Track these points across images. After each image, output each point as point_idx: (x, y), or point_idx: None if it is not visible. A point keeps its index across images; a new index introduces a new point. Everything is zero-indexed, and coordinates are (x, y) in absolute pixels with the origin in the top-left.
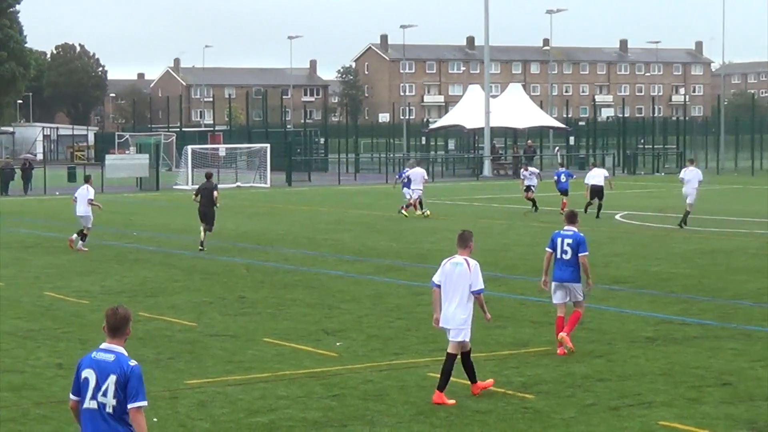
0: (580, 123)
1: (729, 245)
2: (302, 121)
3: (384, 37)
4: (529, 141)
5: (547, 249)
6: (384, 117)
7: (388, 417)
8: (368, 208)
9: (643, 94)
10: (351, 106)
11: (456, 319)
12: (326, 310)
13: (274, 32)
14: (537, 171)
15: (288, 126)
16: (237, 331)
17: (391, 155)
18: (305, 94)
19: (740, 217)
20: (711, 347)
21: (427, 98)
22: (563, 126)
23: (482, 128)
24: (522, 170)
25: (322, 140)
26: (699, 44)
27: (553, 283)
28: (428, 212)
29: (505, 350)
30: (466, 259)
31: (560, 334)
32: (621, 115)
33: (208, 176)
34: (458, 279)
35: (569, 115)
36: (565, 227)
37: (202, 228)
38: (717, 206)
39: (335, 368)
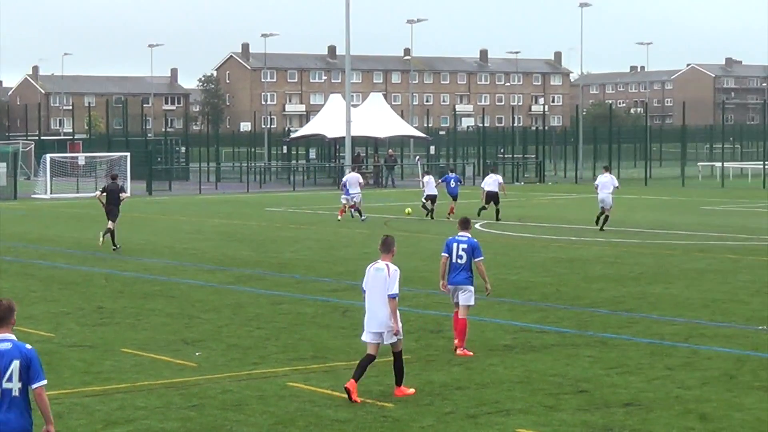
0: (441, 132)
1: (587, 254)
2: (163, 129)
3: (245, 46)
4: (390, 150)
5: (443, 254)
6: (245, 126)
7: (247, 427)
8: (229, 218)
9: (503, 104)
10: (212, 115)
11: (383, 323)
12: (186, 319)
13: (135, 40)
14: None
15: (149, 134)
16: (95, 342)
17: (253, 164)
18: (166, 103)
19: (597, 225)
20: (568, 355)
21: (288, 107)
22: (424, 135)
23: (343, 137)
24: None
25: (183, 149)
26: (558, 55)
27: (450, 286)
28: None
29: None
30: (387, 265)
31: (457, 351)
32: (481, 125)
33: (114, 177)
34: (380, 283)
35: (430, 125)
36: (460, 233)
37: (102, 233)
38: (575, 215)
39: (194, 378)
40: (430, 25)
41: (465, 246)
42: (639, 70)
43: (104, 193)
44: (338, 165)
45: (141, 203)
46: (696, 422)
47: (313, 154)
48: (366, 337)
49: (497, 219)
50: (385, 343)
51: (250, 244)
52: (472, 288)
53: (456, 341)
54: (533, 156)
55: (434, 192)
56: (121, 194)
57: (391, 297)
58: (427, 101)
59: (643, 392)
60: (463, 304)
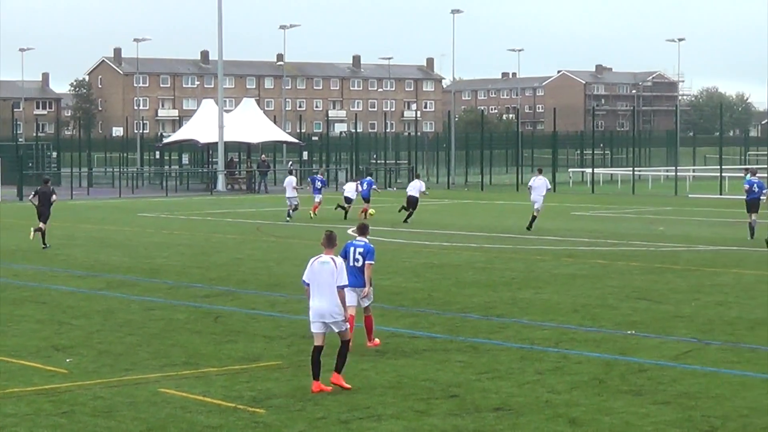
0: (314, 138)
1: (458, 259)
2: (34, 134)
3: (117, 51)
4: (263, 156)
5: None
6: (118, 131)
7: None
8: (101, 223)
9: (375, 109)
10: (84, 120)
11: (332, 313)
12: (56, 326)
13: (5, 44)
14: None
15: (19, 139)
16: None
17: (125, 169)
18: (37, 108)
19: (469, 231)
20: (439, 360)
21: (161, 112)
22: (296, 141)
23: (216, 143)
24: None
25: (54, 154)
26: (430, 61)
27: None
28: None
29: (237, 365)
30: (332, 258)
31: (368, 345)
32: (354, 131)
33: (45, 181)
34: (327, 276)
35: (303, 130)
36: (357, 238)
37: (34, 229)
38: (447, 220)
39: (65, 385)
40: (303, 31)
41: (361, 250)
42: (510, 76)
43: (36, 196)
44: (211, 170)
45: (12, 209)
46: (565, 426)
47: (186, 159)
48: (314, 327)
49: (405, 221)
50: (336, 331)
51: (122, 249)
52: (364, 290)
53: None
54: (405, 162)
55: (352, 196)
56: (52, 197)
57: (341, 288)
58: (300, 107)
59: (513, 397)
60: (365, 305)
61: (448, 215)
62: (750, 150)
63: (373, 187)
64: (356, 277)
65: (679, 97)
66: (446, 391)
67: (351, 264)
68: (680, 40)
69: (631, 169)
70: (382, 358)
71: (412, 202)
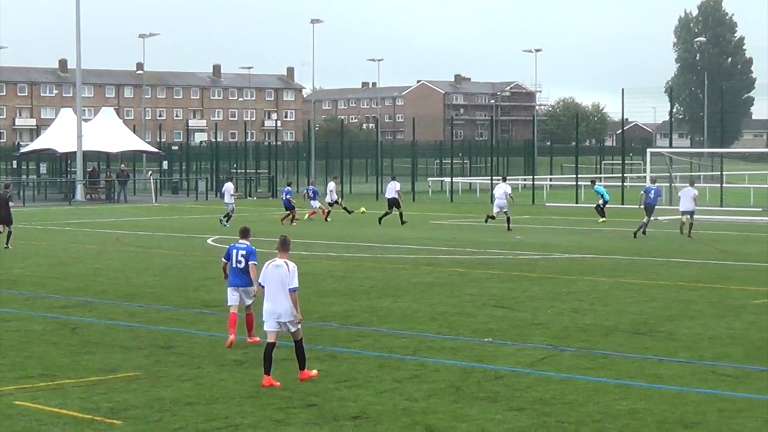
0: (174, 147)
1: (317, 268)
2: None
3: None
4: (123, 165)
5: (223, 259)
6: None
7: None
8: None
9: (236, 119)
10: None
11: (287, 313)
12: None
13: None
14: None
15: None
16: None
17: None
18: None
19: (329, 240)
20: (298, 369)
21: (18, 121)
22: (156, 150)
23: (75, 152)
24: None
25: None
26: (291, 70)
27: (230, 288)
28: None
29: (94, 376)
30: (286, 262)
31: (248, 340)
32: (214, 140)
33: (7, 186)
34: (280, 279)
35: (163, 140)
36: (240, 241)
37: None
38: (307, 230)
39: None
40: (163, 40)
41: (243, 252)
42: (371, 86)
43: None
44: (69, 180)
45: None
46: None
47: (43, 168)
48: (267, 326)
49: (402, 222)
50: (289, 331)
51: None
52: (251, 288)
53: (231, 334)
54: (266, 171)
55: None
56: (10, 202)
57: (293, 290)
58: (160, 116)
59: (371, 405)
60: (248, 303)
61: (308, 225)
62: (605, 159)
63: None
64: (240, 278)
65: (537, 107)
66: (305, 400)
67: (234, 266)
68: (537, 50)
69: (489, 178)
70: (240, 368)
71: (392, 203)
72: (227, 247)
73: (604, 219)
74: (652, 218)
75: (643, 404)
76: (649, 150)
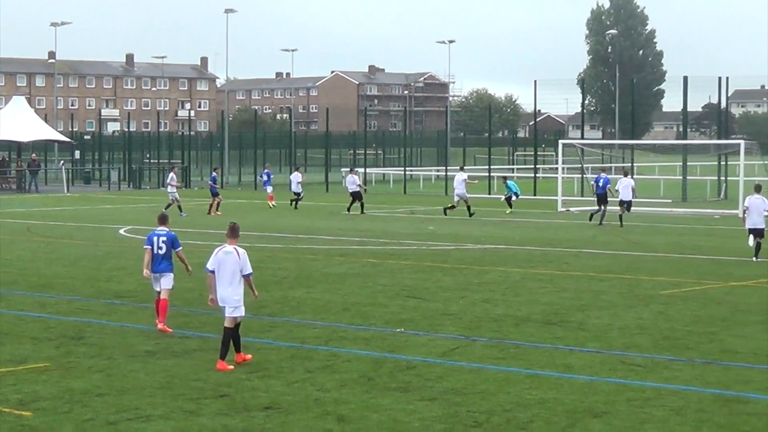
0: (86, 137)
1: None
2: None
3: None
4: (34, 155)
5: (146, 246)
6: None
7: None
8: None
9: (149, 108)
10: None
11: (232, 298)
12: None
13: None
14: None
15: None
16: None
17: None
18: None
19: (242, 231)
20: (210, 359)
21: None
22: (68, 140)
23: None
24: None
25: None
26: (204, 60)
27: (153, 274)
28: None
29: (2, 367)
30: (235, 248)
31: (158, 327)
32: (127, 130)
33: None
34: (230, 265)
35: (75, 129)
36: (159, 228)
37: None
38: (220, 220)
39: None
40: (75, 29)
41: (165, 238)
42: (284, 76)
43: None
44: None
45: None
46: (334, 424)
47: None
48: (225, 312)
49: (362, 212)
50: (230, 315)
51: None
52: (172, 274)
53: (157, 320)
54: (179, 161)
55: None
56: None
57: (248, 275)
58: (72, 105)
59: (283, 395)
60: (165, 288)
61: (222, 215)
62: (518, 150)
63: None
64: (161, 264)
65: (450, 98)
66: (216, 390)
67: (155, 252)
68: (451, 42)
69: (402, 168)
70: (152, 359)
71: (355, 195)
72: (144, 236)
73: (511, 210)
74: (608, 207)
75: (553, 394)
76: (560, 141)
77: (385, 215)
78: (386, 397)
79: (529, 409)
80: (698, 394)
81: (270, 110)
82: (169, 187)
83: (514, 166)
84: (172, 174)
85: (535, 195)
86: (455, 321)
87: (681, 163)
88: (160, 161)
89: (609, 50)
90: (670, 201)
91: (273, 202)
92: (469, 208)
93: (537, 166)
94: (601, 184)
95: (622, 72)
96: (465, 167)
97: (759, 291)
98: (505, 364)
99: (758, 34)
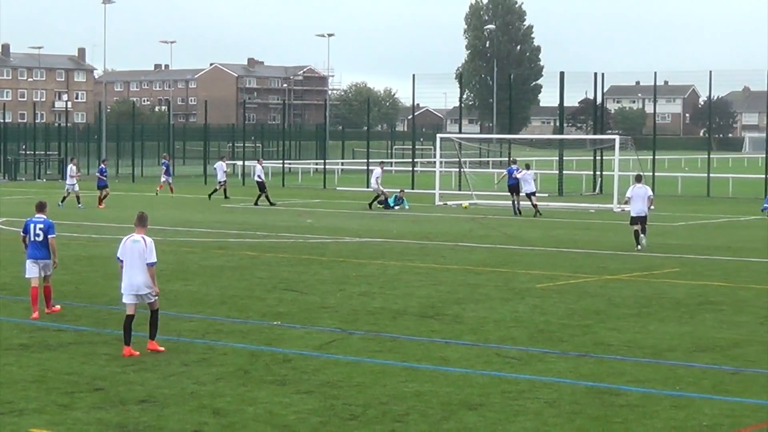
0: None
1: (107, 252)
2: None
3: None
4: None
5: (22, 233)
6: None
7: None
8: None
9: (25, 99)
10: None
11: (142, 286)
12: None
13: None
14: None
15: None
16: None
17: None
18: None
19: (119, 223)
20: (85, 353)
21: None
22: None
23: None
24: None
25: None
26: (82, 51)
27: (28, 261)
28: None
29: None
30: (143, 237)
31: (46, 311)
32: (2, 121)
33: None
34: (138, 253)
35: None
36: (36, 215)
37: None
38: (97, 212)
39: None
40: None
41: (41, 225)
42: (163, 68)
43: None
44: None
45: None
46: (209, 417)
47: None
48: (126, 299)
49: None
50: (146, 302)
51: None
52: (49, 261)
53: (35, 311)
54: (56, 153)
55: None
56: None
57: (151, 264)
58: None
59: (158, 389)
60: (47, 274)
61: (102, 209)
62: (396, 144)
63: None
64: (39, 251)
65: (329, 92)
66: (91, 384)
67: (32, 239)
68: (330, 35)
69: (281, 161)
70: (26, 352)
71: (259, 185)
72: (18, 228)
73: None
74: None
75: (429, 386)
76: (438, 135)
77: (263, 208)
78: (262, 390)
79: (405, 402)
80: (572, 387)
81: (149, 102)
82: (68, 178)
83: (393, 160)
84: (72, 165)
85: (413, 189)
86: (332, 314)
87: (557, 158)
88: (37, 153)
89: (487, 45)
90: (546, 195)
91: (161, 190)
92: (377, 199)
93: (415, 160)
94: (514, 175)
95: (500, 67)
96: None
97: (632, 284)
98: (382, 357)
99: (633, 31)
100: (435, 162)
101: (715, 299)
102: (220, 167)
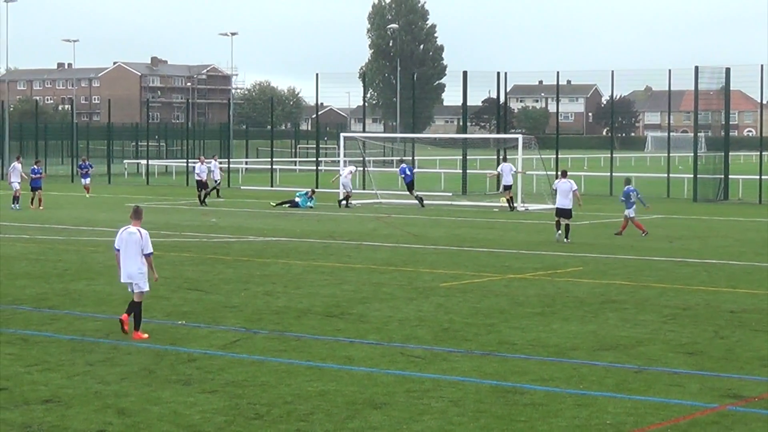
0: None
1: (11, 251)
2: None
3: None
4: None
5: None
6: None
7: None
8: None
9: None
10: None
11: (137, 275)
12: None
13: None
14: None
15: None
16: None
17: None
18: None
19: (22, 222)
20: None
21: None
22: None
23: None
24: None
25: None
26: None
27: None
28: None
29: None
30: (138, 229)
31: None
32: None
33: None
34: (134, 244)
35: None
36: None
37: None
38: (0, 212)
39: None
40: None
41: None
42: (66, 66)
43: None
44: None
45: None
46: (114, 417)
47: None
48: (129, 287)
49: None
50: (135, 290)
51: None
52: None
53: None
54: None
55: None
56: None
57: (148, 255)
58: None
59: (63, 389)
60: None
61: (2, 207)
62: (300, 143)
63: None
64: None
65: (233, 91)
66: None
67: None
68: (233, 34)
69: (185, 160)
70: None
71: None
72: None
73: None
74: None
75: (333, 386)
76: (342, 134)
77: (167, 207)
78: (167, 389)
79: (309, 401)
80: (476, 385)
81: (52, 101)
82: (13, 176)
83: (297, 159)
84: (16, 164)
85: (316, 187)
86: (237, 313)
87: (461, 157)
88: None
89: (390, 44)
90: (450, 194)
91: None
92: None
93: (319, 159)
94: (409, 173)
95: (404, 66)
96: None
97: (536, 283)
98: (287, 356)
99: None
100: (339, 161)
101: (618, 298)
102: (215, 166)
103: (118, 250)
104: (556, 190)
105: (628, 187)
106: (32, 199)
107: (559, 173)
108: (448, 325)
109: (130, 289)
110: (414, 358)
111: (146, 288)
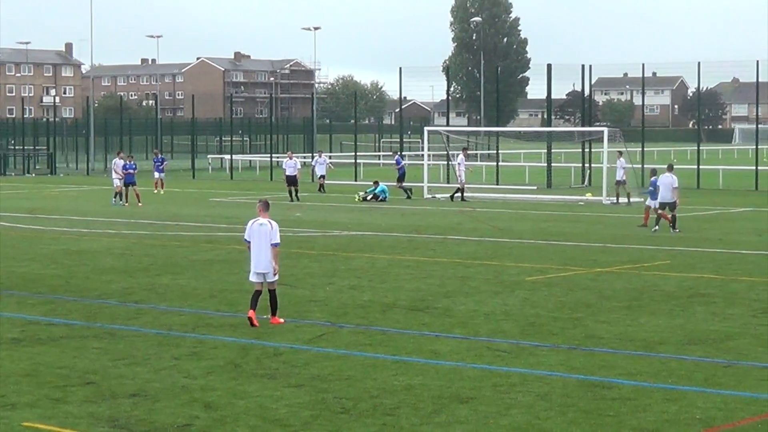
0: None
1: (97, 246)
2: None
3: None
4: None
5: None
6: None
7: None
8: None
9: (14, 94)
10: None
11: (268, 265)
12: None
13: None
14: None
15: None
16: None
17: None
18: None
19: (108, 217)
20: (76, 347)
21: None
22: None
23: None
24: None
25: None
26: (69, 45)
27: None
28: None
29: None
30: (269, 221)
31: None
32: None
33: None
34: (264, 236)
35: None
36: None
37: None
38: (87, 207)
39: None
40: None
41: None
42: (150, 62)
43: None
44: None
45: None
46: (201, 411)
47: None
48: (253, 277)
49: (297, 199)
50: (266, 281)
51: None
52: None
53: None
54: (45, 148)
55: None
56: None
57: (275, 245)
58: None
59: (149, 382)
60: None
61: (87, 201)
62: (384, 137)
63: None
64: None
65: (316, 85)
66: (83, 378)
67: None
68: (316, 28)
69: (269, 155)
70: (17, 347)
71: (291, 180)
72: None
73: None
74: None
75: (419, 380)
76: (426, 128)
77: (251, 202)
78: (253, 383)
79: (395, 395)
80: (563, 380)
81: (136, 97)
82: (114, 173)
83: (380, 153)
84: (118, 159)
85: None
86: (322, 307)
87: (546, 150)
88: (25, 148)
89: (474, 38)
90: (535, 188)
91: (159, 190)
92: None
93: (403, 153)
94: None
95: (487, 59)
96: (324, 153)
97: (623, 277)
98: (372, 350)
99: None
100: (423, 155)
101: (706, 292)
102: (322, 160)
103: (249, 242)
104: (658, 186)
105: (654, 178)
106: (126, 195)
107: (666, 167)
108: (534, 319)
109: (254, 280)
110: (500, 353)
111: (274, 278)
